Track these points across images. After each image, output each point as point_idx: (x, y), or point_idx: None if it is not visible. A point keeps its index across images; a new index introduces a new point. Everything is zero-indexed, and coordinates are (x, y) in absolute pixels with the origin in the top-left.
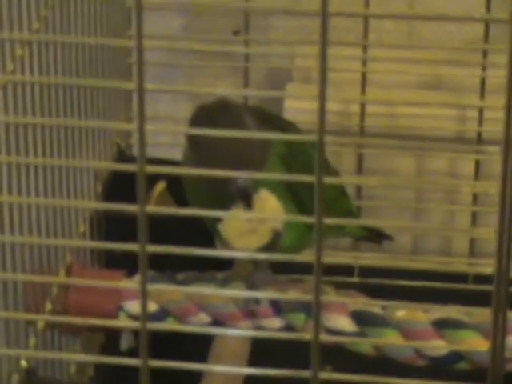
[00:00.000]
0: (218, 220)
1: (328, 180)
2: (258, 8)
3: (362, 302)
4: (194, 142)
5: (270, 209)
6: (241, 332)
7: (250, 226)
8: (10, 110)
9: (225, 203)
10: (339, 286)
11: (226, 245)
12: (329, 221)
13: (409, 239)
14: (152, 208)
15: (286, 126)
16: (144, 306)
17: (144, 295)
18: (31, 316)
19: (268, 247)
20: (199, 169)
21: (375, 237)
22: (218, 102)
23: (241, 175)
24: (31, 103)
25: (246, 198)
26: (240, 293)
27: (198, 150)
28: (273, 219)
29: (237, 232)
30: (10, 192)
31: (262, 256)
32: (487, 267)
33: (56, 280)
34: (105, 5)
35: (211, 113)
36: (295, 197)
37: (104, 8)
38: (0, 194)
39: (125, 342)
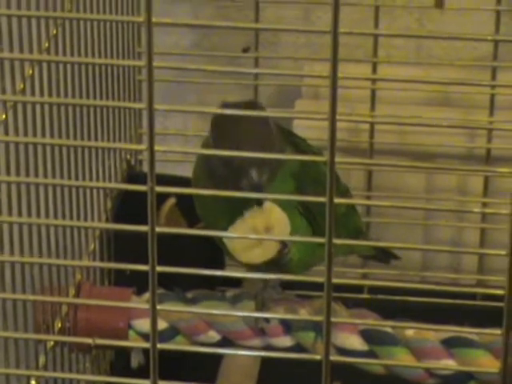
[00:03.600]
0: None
1: (338, 202)
2: (268, 28)
3: (371, 322)
4: (217, 134)
5: (275, 220)
6: (250, 352)
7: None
8: (20, 129)
9: (234, 214)
10: (349, 303)
11: (233, 257)
12: (339, 241)
13: (418, 255)
14: (162, 228)
15: (299, 143)
16: (154, 327)
17: (154, 317)
18: (41, 336)
19: (276, 261)
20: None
21: (383, 256)
22: (246, 101)
23: (253, 195)
24: (41, 122)
25: (257, 192)
26: (250, 312)
27: (219, 141)
28: (278, 229)
29: (242, 245)
30: (19, 211)
31: (272, 276)
32: (497, 287)
33: (66, 300)
34: (115, 22)
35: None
36: (306, 210)
37: (113, 25)
38: (10, 214)
39: (135, 360)
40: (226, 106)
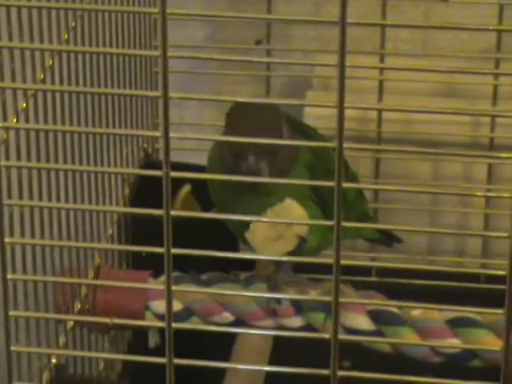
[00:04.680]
0: (240, 222)
1: (346, 186)
2: (279, 19)
3: (378, 303)
4: (228, 128)
5: (295, 216)
6: (263, 331)
7: (276, 233)
8: (40, 117)
9: (244, 201)
10: (358, 286)
11: (248, 244)
12: (347, 224)
13: (425, 240)
14: (177, 212)
15: (311, 134)
16: (169, 307)
17: (169, 297)
18: (61, 316)
19: (294, 252)
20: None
21: (387, 239)
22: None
23: (270, 180)
24: (61, 111)
25: (254, 176)
26: (262, 294)
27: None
28: (298, 225)
29: (263, 239)
30: (40, 196)
31: (283, 258)
32: (500, 269)
33: (85, 281)
34: (131, 15)
35: (250, 108)
36: (319, 200)
37: (131, 18)
38: (31, 198)
39: (152, 340)
40: (238, 105)
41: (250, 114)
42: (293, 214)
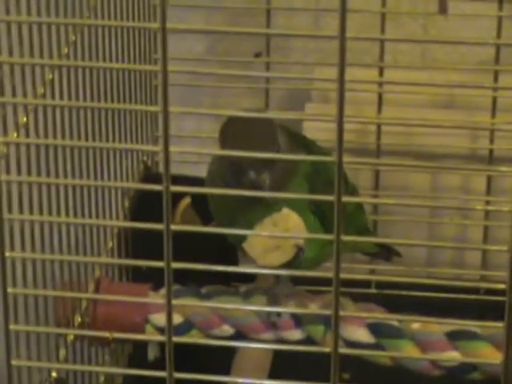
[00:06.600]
0: (240, 234)
1: (346, 200)
2: (279, 32)
3: (378, 316)
4: (223, 145)
5: (292, 226)
6: (263, 345)
7: (274, 243)
8: (40, 132)
9: (247, 216)
10: (357, 298)
11: (250, 259)
12: (346, 238)
13: (424, 253)
14: (177, 226)
15: (310, 146)
16: (169, 321)
17: (169, 311)
18: (61, 330)
19: (291, 262)
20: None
21: (386, 253)
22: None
23: (269, 195)
24: (61, 125)
25: (256, 190)
26: (262, 307)
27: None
28: (295, 236)
29: (261, 249)
30: (40, 210)
31: (283, 272)
32: (499, 282)
33: (85, 295)
34: (131, 29)
35: (243, 121)
36: (318, 210)
37: (130, 32)
38: (31, 212)
39: (151, 353)
40: (231, 119)
41: (243, 127)
42: (290, 223)
